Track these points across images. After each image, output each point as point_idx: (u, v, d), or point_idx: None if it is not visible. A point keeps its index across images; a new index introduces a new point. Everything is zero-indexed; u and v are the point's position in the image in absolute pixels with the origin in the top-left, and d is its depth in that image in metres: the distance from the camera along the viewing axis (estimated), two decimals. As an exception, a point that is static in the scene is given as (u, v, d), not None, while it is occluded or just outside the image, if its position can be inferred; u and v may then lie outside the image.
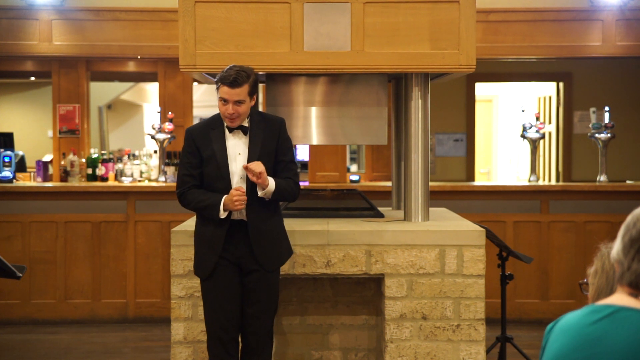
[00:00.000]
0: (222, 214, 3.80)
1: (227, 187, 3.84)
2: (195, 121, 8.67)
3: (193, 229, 4.34)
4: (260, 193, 3.81)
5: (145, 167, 7.61)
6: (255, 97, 3.89)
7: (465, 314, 4.31)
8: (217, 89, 3.83)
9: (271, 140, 3.91)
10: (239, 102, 3.79)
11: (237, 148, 3.88)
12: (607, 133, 7.01)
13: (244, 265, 3.91)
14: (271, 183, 3.82)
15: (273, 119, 4.01)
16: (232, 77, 3.76)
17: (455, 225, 4.46)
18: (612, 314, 1.77)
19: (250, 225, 3.87)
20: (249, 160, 3.84)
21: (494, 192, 6.99)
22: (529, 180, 7.28)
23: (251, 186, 3.84)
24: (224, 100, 3.79)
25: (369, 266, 4.33)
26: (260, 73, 4.64)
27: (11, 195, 6.88)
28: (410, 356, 4.32)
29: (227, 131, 3.89)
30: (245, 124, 3.89)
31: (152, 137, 7.19)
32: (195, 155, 3.89)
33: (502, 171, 11.94)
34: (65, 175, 7.46)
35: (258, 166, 3.76)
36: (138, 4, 7.21)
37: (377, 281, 4.55)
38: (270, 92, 4.82)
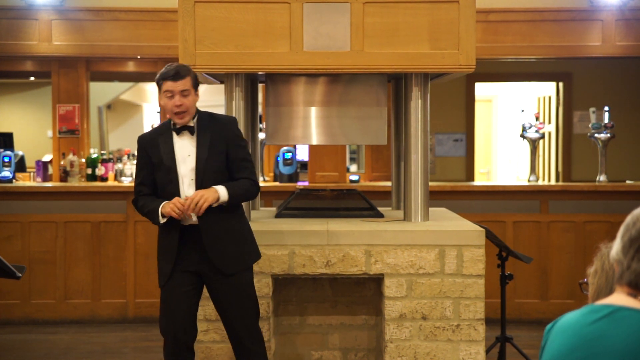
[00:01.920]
0: (161, 220, 3.78)
1: (176, 190, 3.81)
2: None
3: (193, 229, 4.34)
4: (214, 204, 3.76)
5: (145, 167, 7.60)
6: (198, 93, 3.90)
7: (465, 314, 4.31)
8: (160, 87, 3.83)
9: (220, 140, 3.86)
10: (184, 94, 3.79)
11: (185, 150, 3.85)
12: (607, 133, 7.01)
13: (204, 272, 3.86)
14: (222, 192, 3.76)
15: (222, 118, 3.98)
16: (174, 71, 3.80)
17: (455, 225, 4.46)
18: (611, 314, 1.77)
19: (202, 230, 3.80)
20: (198, 160, 3.80)
21: (494, 192, 6.99)
22: (529, 180, 7.28)
23: (206, 183, 3.80)
24: (169, 96, 3.79)
25: (369, 266, 4.33)
26: (260, 73, 4.65)
27: (11, 195, 6.88)
28: (410, 356, 4.32)
29: (174, 134, 3.86)
30: (192, 124, 3.87)
31: (152, 137, 7.18)
32: (146, 162, 3.89)
33: (501, 171, 11.94)
34: (64, 175, 7.46)
35: (193, 201, 3.70)
36: (138, 4, 7.21)
37: (376, 281, 4.55)
38: (269, 92, 4.82)
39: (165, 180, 3.84)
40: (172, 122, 3.89)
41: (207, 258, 3.82)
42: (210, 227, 3.81)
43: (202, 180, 3.81)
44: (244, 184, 3.86)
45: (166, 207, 3.75)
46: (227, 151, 3.86)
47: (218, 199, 3.75)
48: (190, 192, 3.81)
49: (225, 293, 3.87)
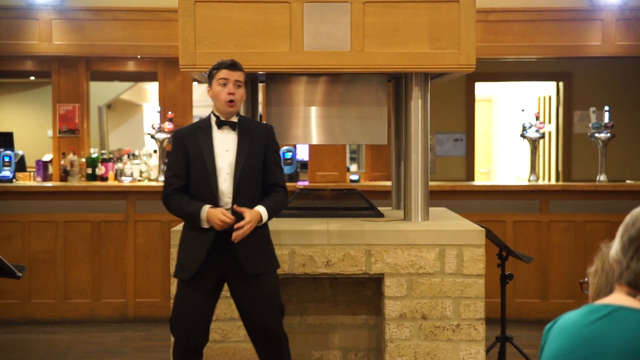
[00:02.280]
0: (205, 226, 3.79)
1: (213, 183, 3.82)
2: (196, 120, 8.70)
3: (193, 228, 4.34)
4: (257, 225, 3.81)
5: (145, 166, 7.61)
6: (245, 92, 3.96)
7: (465, 313, 4.31)
8: (213, 76, 3.87)
9: (259, 143, 3.90)
10: (237, 84, 3.85)
11: (224, 144, 3.87)
12: (607, 133, 7.01)
13: (228, 273, 3.86)
14: (264, 216, 3.83)
15: (262, 124, 4.07)
16: (231, 61, 3.89)
17: (455, 225, 4.46)
18: (610, 314, 1.77)
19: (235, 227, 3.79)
20: (238, 156, 3.83)
21: (494, 191, 6.99)
22: (529, 180, 7.28)
23: (237, 187, 3.82)
24: (223, 83, 3.84)
25: (369, 266, 4.33)
26: (260, 73, 4.65)
27: (11, 195, 6.88)
28: (410, 356, 4.32)
29: (215, 127, 3.89)
30: (235, 119, 3.91)
31: (152, 136, 7.19)
32: (182, 154, 3.88)
33: (502, 171, 11.94)
34: (65, 175, 7.46)
35: (244, 229, 3.74)
36: (138, 3, 7.21)
37: (376, 281, 4.55)
38: (270, 91, 4.82)
39: (202, 172, 3.83)
40: (214, 117, 3.91)
41: (234, 259, 3.82)
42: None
43: (240, 177, 3.83)
44: (280, 200, 3.93)
45: (212, 217, 3.74)
46: (265, 153, 3.91)
47: (261, 221, 3.83)
48: (225, 187, 3.83)
49: (251, 295, 3.87)
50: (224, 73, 3.85)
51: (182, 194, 3.87)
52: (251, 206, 3.82)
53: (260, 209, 3.83)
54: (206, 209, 3.77)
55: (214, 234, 3.80)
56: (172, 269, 4.32)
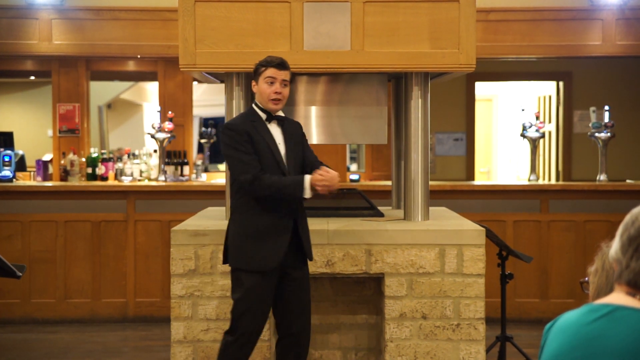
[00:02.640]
0: (309, 194, 3.80)
1: (281, 172, 3.86)
2: (195, 120, 8.65)
3: (193, 228, 4.35)
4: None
5: (145, 166, 7.61)
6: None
7: (465, 313, 4.31)
8: (260, 73, 3.89)
9: (298, 136, 4.03)
10: (284, 83, 3.90)
11: (276, 138, 3.95)
12: (607, 132, 7.01)
13: (289, 260, 3.88)
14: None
15: (292, 119, 4.13)
16: (280, 60, 3.92)
17: (455, 224, 4.46)
18: (610, 313, 1.78)
19: (299, 216, 3.90)
20: (287, 149, 3.92)
21: (494, 191, 6.99)
22: (529, 180, 7.28)
23: (294, 171, 3.90)
24: (270, 82, 3.87)
25: (369, 265, 4.33)
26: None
27: (11, 195, 6.88)
28: (410, 355, 4.32)
29: (266, 122, 3.95)
30: (282, 114, 3.98)
31: (152, 136, 7.19)
32: (249, 142, 3.85)
33: (502, 170, 11.94)
34: (65, 174, 7.46)
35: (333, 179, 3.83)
36: (138, 3, 7.21)
37: (377, 280, 4.55)
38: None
39: (272, 162, 3.86)
40: (261, 111, 3.93)
41: (296, 244, 3.88)
42: (302, 214, 3.95)
43: (291, 168, 3.91)
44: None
45: (317, 181, 3.77)
46: (302, 145, 4.02)
47: None
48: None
49: (303, 282, 3.94)
50: (272, 72, 3.88)
51: (269, 175, 3.82)
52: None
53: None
54: (307, 177, 3.81)
55: (292, 222, 3.86)
56: (173, 268, 4.32)
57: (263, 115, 3.93)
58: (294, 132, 4.01)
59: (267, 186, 3.78)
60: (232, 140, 3.85)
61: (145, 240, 6.89)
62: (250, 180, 3.78)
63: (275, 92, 3.88)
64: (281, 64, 3.90)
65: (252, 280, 3.81)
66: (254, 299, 3.81)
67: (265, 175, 3.80)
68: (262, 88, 3.90)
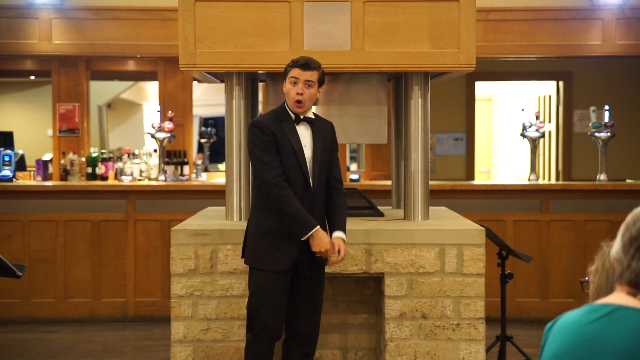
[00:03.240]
0: (303, 237, 3.81)
1: (305, 174, 3.85)
2: (195, 120, 8.65)
3: (193, 227, 4.35)
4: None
5: (145, 166, 7.61)
6: (321, 90, 3.94)
7: (465, 312, 4.31)
8: (287, 73, 3.88)
9: (329, 139, 3.98)
10: (308, 84, 3.83)
11: (304, 140, 3.90)
12: (607, 132, 7.01)
13: (304, 260, 3.88)
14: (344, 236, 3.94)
15: (326, 120, 4.07)
16: (305, 60, 3.86)
17: (455, 224, 4.46)
18: (611, 313, 1.77)
19: (315, 219, 3.87)
20: (315, 152, 3.88)
21: (494, 191, 6.99)
22: (529, 179, 7.28)
23: (317, 179, 3.87)
24: (294, 82, 3.84)
25: (369, 265, 4.33)
26: (260, 72, 4.65)
27: (11, 194, 6.88)
28: (410, 355, 4.32)
29: (294, 123, 3.91)
30: (311, 115, 3.93)
31: (152, 136, 7.19)
32: (273, 143, 3.84)
33: (502, 170, 11.94)
34: (65, 174, 7.46)
35: (340, 253, 3.89)
36: (138, 3, 7.21)
37: (377, 280, 4.55)
38: (270, 91, 4.82)
39: (294, 164, 3.84)
40: (290, 112, 3.91)
41: (309, 249, 3.85)
42: (320, 218, 3.92)
43: (318, 172, 3.89)
44: (344, 204, 4.00)
45: (319, 241, 3.80)
46: (331, 149, 3.98)
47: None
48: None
49: (318, 283, 3.95)
50: (296, 72, 3.85)
51: (290, 190, 3.81)
52: (322, 200, 3.92)
53: (342, 234, 3.93)
54: (319, 229, 3.80)
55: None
56: (173, 268, 4.32)
57: (292, 116, 3.90)
58: (326, 135, 3.95)
59: (280, 203, 3.78)
60: (256, 138, 3.85)
61: (145, 240, 6.89)
62: (273, 185, 3.78)
63: (297, 93, 3.83)
64: (306, 64, 3.84)
65: (263, 278, 3.84)
66: (266, 295, 3.84)
67: (288, 192, 3.78)
68: (287, 88, 3.88)
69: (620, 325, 1.75)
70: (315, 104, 4.78)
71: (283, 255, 3.84)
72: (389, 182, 6.85)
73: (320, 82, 3.91)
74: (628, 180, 7.35)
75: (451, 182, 7.37)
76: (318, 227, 3.80)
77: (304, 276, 3.92)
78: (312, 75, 3.85)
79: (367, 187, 6.84)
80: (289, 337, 4.01)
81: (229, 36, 4.41)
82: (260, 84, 5.44)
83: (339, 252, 3.87)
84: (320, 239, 3.79)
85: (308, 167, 3.88)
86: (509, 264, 5.50)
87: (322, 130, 3.96)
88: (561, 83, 9.29)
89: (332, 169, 3.99)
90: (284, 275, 3.85)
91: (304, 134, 3.91)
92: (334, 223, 3.96)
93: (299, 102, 3.84)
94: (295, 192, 3.82)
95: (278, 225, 3.84)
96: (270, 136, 3.83)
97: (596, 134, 7.04)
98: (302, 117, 3.90)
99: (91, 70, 7.99)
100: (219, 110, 10.49)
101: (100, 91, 11.22)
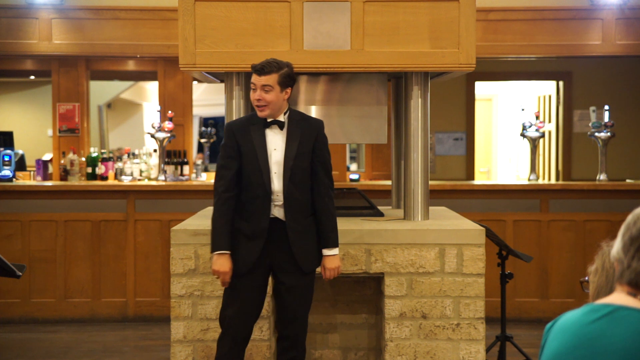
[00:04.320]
0: (210, 255, 3.88)
1: (267, 180, 3.82)
2: (195, 120, 8.67)
3: (193, 227, 4.35)
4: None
5: (145, 166, 7.61)
6: (289, 91, 3.89)
7: (465, 312, 4.31)
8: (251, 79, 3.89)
9: (309, 141, 3.90)
10: (265, 89, 3.81)
11: (273, 143, 3.88)
12: (607, 132, 7.01)
13: (280, 265, 3.87)
14: (335, 251, 3.94)
15: (312, 120, 4.02)
16: (261, 65, 3.83)
17: (455, 224, 4.46)
18: (611, 313, 1.77)
19: (289, 226, 3.84)
20: (286, 155, 3.84)
21: (494, 191, 6.99)
22: (529, 179, 7.28)
23: (287, 188, 3.83)
24: (253, 88, 3.85)
25: (369, 265, 4.33)
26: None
27: (11, 194, 6.88)
28: (410, 355, 4.32)
29: (265, 126, 3.89)
30: (282, 119, 3.90)
31: (152, 136, 7.19)
32: (234, 148, 3.86)
33: (502, 170, 11.94)
34: (65, 174, 7.46)
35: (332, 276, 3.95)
36: (138, 3, 7.21)
37: (376, 280, 4.55)
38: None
39: (256, 169, 3.83)
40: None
41: (289, 253, 3.84)
42: (297, 224, 3.86)
43: (289, 176, 3.84)
44: (332, 213, 3.94)
45: (215, 265, 3.82)
46: (313, 153, 3.90)
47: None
48: (273, 185, 3.84)
49: (296, 289, 3.90)
50: (253, 77, 3.85)
51: (231, 206, 3.85)
52: (301, 205, 3.86)
53: (335, 251, 3.93)
54: (219, 255, 3.82)
55: (268, 223, 3.83)
56: (173, 267, 4.33)
57: (264, 119, 3.90)
58: (305, 137, 3.88)
59: (213, 212, 3.87)
60: (224, 141, 3.93)
61: (145, 240, 6.89)
62: (216, 193, 3.87)
63: (256, 99, 3.83)
64: (261, 69, 3.82)
65: (233, 282, 3.88)
66: (230, 297, 3.89)
67: (219, 207, 3.84)
68: (250, 94, 3.90)
69: (620, 326, 1.75)
70: (314, 103, 4.79)
71: (243, 259, 3.85)
72: (389, 182, 6.85)
73: (283, 84, 3.85)
74: (628, 180, 7.35)
75: (451, 182, 7.37)
76: (219, 252, 3.80)
77: (279, 280, 3.91)
78: (269, 80, 3.81)
79: (367, 187, 6.84)
80: (278, 340, 4.02)
81: (229, 36, 4.41)
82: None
83: (326, 270, 3.92)
84: (216, 263, 3.82)
85: (272, 173, 3.84)
86: (509, 264, 5.51)
87: (301, 131, 3.89)
88: (561, 83, 9.29)
89: (314, 175, 3.91)
90: (252, 277, 3.85)
91: (275, 137, 3.88)
92: (321, 238, 3.93)
93: (259, 107, 3.84)
94: (255, 198, 3.83)
95: (241, 229, 3.87)
96: (233, 142, 3.87)
97: (596, 133, 7.04)
98: (268, 120, 3.88)
99: (91, 70, 7.99)
100: (219, 110, 10.49)
101: (100, 91, 11.22)
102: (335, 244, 3.92)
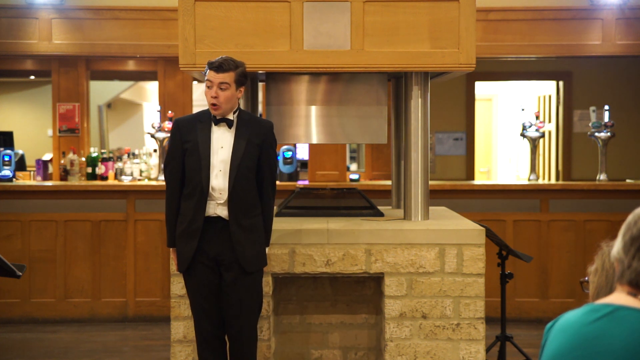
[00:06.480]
0: (169, 246, 4.01)
1: (206, 178, 3.83)
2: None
3: (193, 227, 4.34)
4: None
5: (145, 166, 7.61)
6: (242, 90, 3.91)
7: (465, 312, 4.31)
8: (205, 75, 3.89)
9: (257, 140, 3.91)
10: (222, 87, 3.82)
11: (220, 141, 3.89)
12: (607, 132, 7.01)
13: (223, 263, 3.90)
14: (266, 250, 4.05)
15: (262, 121, 4.05)
16: (218, 63, 3.84)
17: (455, 224, 4.46)
18: (611, 313, 1.77)
19: (232, 225, 3.86)
20: (234, 154, 3.85)
21: (494, 191, 6.99)
22: (529, 179, 7.28)
23: (232, 185, 3.84)
24: (209, 85, 3.85)
25: (369, 265, 4.33)
26: (260, 72, 4.65)
27: (11, 194, 6.88)
28: (410, 355, 4.32)
29: (213, 124, 3.90)
30: (231, 117, 3.91)
31: (152, 135, 7.19)
32: (178, 146, 3.91)
33: (502, 170, 11.95)
34: (65, 174, 7.46)
35: None
36: (138, 2, 7.21)
37: (376, 280, 4.55)
38: (270, 91, 4.82)
39: (196, 167, 3.85)
40: (211, 112, 3.94)
41: (231, 251, 3.87)
42: (240, 223, 3.87)
43: (235, 175, 3.85)
44: (269, 215, 4.00)
45: (172, 259, 4.07)
46: (260, 152, 3.91)
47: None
48: (217, 183, 3.85)
49: (239, 288, 3.90)
50: (210, 74, 3.85)
51: (175, 202, 3.94)
52: (246, 204, 3.88)
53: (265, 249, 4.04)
54: (173, 250, 4.00)
55: (202, 222, 3.85)
56: (172, 267, 4.33)
57: (212, 116, 3.92)
58: (253, 137, 3.90)
59: (167, 213, 3.98)
60: (170, 138, 4.02)
61: (145, 239, 6.89)
62: (167, 198, 3.97)
63: (212, 97, 3.84)
64: (219, 67, 3.83)
65: (184, 282, 4.03)
66: (189, 295, 4.00)
67: (168, 201, 3.95)
68: (205, 91, 3.90)
69: (620, 326, 1.74)
70: (314, 103, 4.79)
71: (180, 256, 3.94)
72: (389, 182, 6.85)
73: (240, 83, 3.88)
74: (628, 180, 7.35)
75: (451, 182, 7.37)
76: (171, 248, 3.99)
77: (222, 277, 3.93)
78: (226, 77, 3.83)
79: (367, 187, 6.84)
80: (228, 337, 4.03)
81: (229, 36, 4.41)
82: (260, 84, 5.44)
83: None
84: (172, 258, 4.04)
85: (217, 170, 3.86)
86: (509, 264, 5.51)
87: (250, 131, 3.91)
88: (561, 83, 9.29)
89: (259, 175, 3.94)
90: (194, 273, 3.91)
91: (222, 135, 3.90)
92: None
93: (214, 105, 3.85)
94: (192, 196, 3.86)
95: (181, 228, 3.93)
96: (177, 138, 3.92)
97: (596, 133, 7.04)
98: (217, 118, 3.89)
99: (91, 70, 7.99)
100: (218, 110, 10.46)
101: (100, 91, 11.22)
102: (266, 243, 4.04)
